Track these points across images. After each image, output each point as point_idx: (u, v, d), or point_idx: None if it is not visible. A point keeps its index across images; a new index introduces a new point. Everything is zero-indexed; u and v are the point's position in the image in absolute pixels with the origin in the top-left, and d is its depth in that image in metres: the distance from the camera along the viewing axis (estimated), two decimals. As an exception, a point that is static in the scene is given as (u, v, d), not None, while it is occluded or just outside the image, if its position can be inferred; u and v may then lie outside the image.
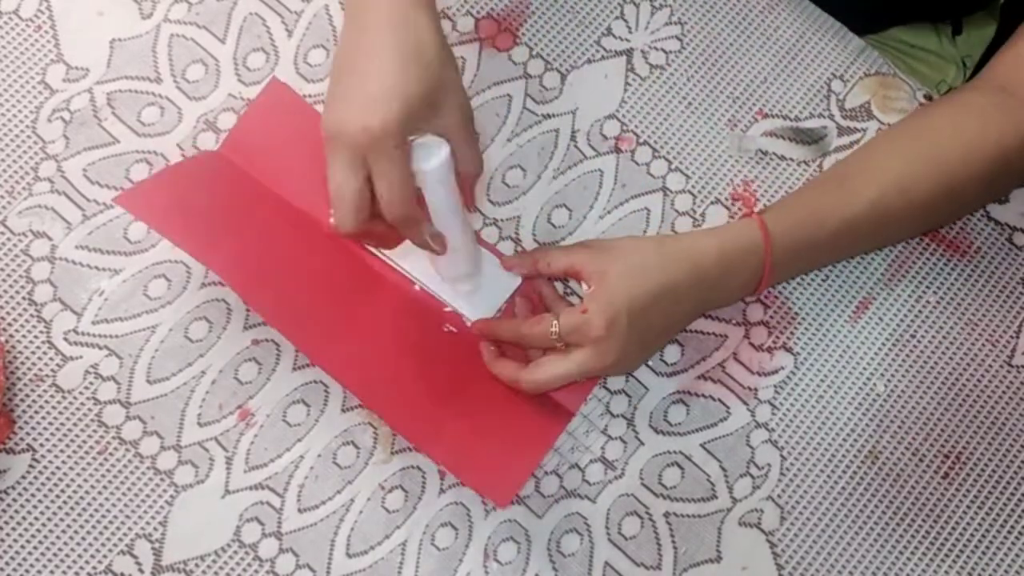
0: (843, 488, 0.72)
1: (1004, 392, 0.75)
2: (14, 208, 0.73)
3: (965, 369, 0.75)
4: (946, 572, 0.72)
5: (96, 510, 0.69)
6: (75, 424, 0.70)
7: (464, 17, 0.78)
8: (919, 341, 0.75)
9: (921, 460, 0.73)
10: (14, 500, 0.68)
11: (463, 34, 0.78)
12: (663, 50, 0.79)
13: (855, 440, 0.73)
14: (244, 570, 0.68)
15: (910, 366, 0.75)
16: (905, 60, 0.91)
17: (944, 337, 0.76)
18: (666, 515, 0.71)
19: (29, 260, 0.72)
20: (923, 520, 0.72)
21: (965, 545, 0.72)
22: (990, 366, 0.75)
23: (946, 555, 0.72)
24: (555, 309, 0.71)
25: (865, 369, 0.75)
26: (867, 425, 0.74)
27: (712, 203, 0.77)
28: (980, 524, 0.73)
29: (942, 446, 0.74)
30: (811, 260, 0.72)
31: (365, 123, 0.59)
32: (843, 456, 0.73)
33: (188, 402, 0.71)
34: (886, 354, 0.75)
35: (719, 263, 0.67)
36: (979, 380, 0.75)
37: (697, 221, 0.76)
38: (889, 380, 0.75)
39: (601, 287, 0.66)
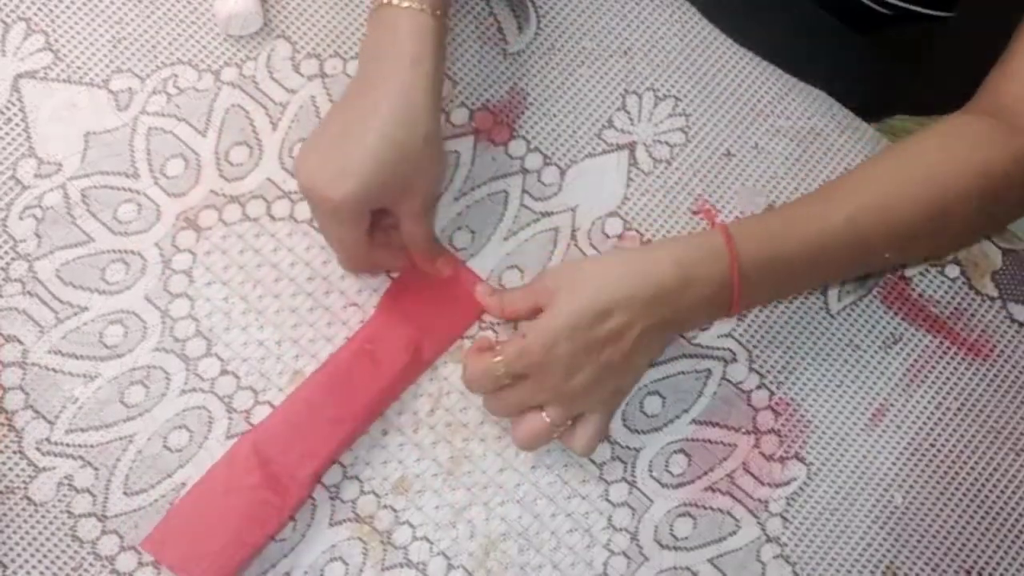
0: (860, 607, 0.90)
1: (1030, 504, 0.93)
2: (-15, 311, 0.90)
3: (988, 480, 0.93)
4: None
5: (71, 630, 0.85)
6: (48, 539, 0.86)
7: (459, 109, 0.97)
8: (939, 450, 0.93)
9: (943, 577, 0.91)
10: (-15, 620, 0.84)
11: (457, 126, 0.97)
12: (667, 143, 0.98)
13: (872, 555, 0.90)
14: None
15: (929, 476, 0.93)
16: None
17: (966, 445, 0.93)
18: (673, 635, 0.88)
19: (0, 365, 0.89)
20: (945, 641, 0.90)
21: (990, 667, 0.90)
22: (1014, 476, 0.93)
23: (970, 678, 0.89)
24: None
25: (882, 480, 0.92)
26: (884, 539, 0.91)
27: (720, 304, 0.95)
28: (1006, 645, 0.90)
29: (963, 561, 0.91)
30: (785, 276, 0.83)
31: (327, 192, 0.81)
32: (859, 572, 0.90)
33: (167, 516, 0.87)
34: (904, 464, 0.93)
35: (677, 274, 0.80)
36: (1003, 491, 0.93)
37: (704, 325, 0.94)
38: (908, 491, 0.92)
39: (545, 312, 0.81)
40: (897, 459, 0.93)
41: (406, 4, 0.83)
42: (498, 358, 0.82)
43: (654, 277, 0.80)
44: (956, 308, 0.96)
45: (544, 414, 0.83)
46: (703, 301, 0.82)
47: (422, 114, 0.82)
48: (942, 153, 0.85)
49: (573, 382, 0.81)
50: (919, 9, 0.90)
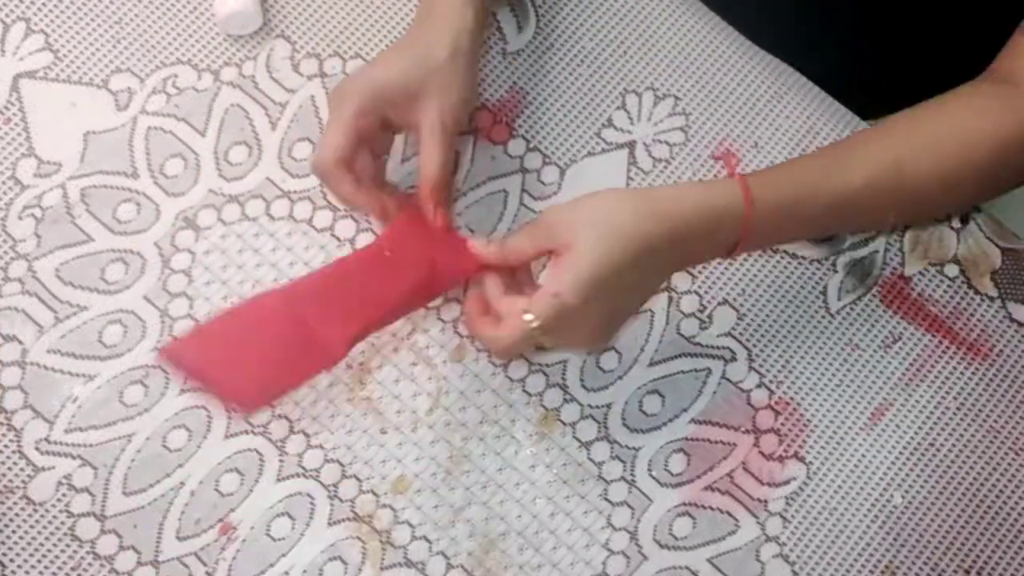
0: (859, 606, 0.90)
1: (1029, 504, 0.93)
2: (-16, 310, 0.90)
3: (987, 479, 0.93)
4: None
5: (70, 630, 0.85)
6: (47, 538, 0.86)
7: (457, 108, 0.98)
8: (938, 449, 0.93)
9: (942, 576, 0.91)
10: (-16, 619, 0.85)
11: (456, 126, 0.97)
12: (667, 142, 0.99)
13: (871, 555, 0.91)
14: None
15: (929, 476, 0.93)
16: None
17: (965, 445, 0.94)
18: (672, 635, 0.89)
19: (-1, 365, 0.90)
20: (945, 640, 0.90)
21: (989, 667, 0.90)
22: (1013, 476, 0.93)
23: (969, 677, 0.89)
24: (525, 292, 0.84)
25: (881, 479, 0.92)
26: (883, 539, 0.91)
27: (720, 304, 0.95)
28: (1005, 645, 0.90)
29: (962, 561, 0.91)
30: (792, 231, 0.87)
31: (341, 85, 0.85)
32: (858, 571, 0.90)
33: (166, 515, 0.87)
34: (903, 463, 0.93)
35: (698, 224, 0.80)
36: (1002, 491, 0.93)
37: (704, 323, 0.95)
38: (907, 491, 0.92)
39: (570, 259, 0.78)
40: (896, 459, 0.93)
41: None
42: (530, 318, 0.79)
43: (680, 227, 0.79)
44: (955, 308, 0.96)
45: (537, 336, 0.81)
46: (711, 248, 0.84)
47: (449, 34, 0.86)
48: (953, 121, 0.87)
49: (601, 329, 0.83)
50: None
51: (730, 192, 0.81)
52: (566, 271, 0.78)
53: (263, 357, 0.83)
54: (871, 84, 1.04)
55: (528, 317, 0.79)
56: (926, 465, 0.93)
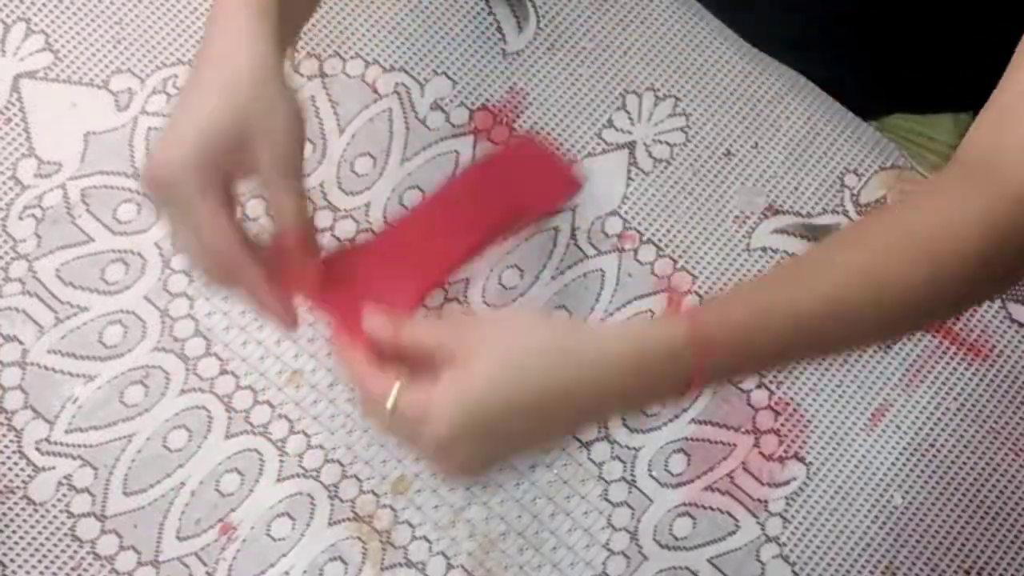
0: (860, 607, 0.90)
1: (1030, 504, 0.93)
2: (-16, 310, 0.91)
3: (987, 480, 0.93)
4: None
5: (70, 630, 0.85)
6: (47, 539, 0.87)
7: (458, 109, 0.98)
8: (939, 450, 0.94)
9: (942, 577, 0.91)
10: (-16, 619, 0.85)
11: (457, 126, 0.97)
12: (667, 143, 0.99)
13: (871, 555, 0.91)
14: None
15: (929, 477, 0.93)
16: (922, 153, 1.10)
17: (965, 446, 0.94)
18: (672, 635, 0.89)
19: (-1, 365, 0.90)
20: (945, 641, 0.90)
21: (990, 667, 0.90)
22: (1013, 476, 0.93)
23: None
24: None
25: (882, 480, 0.92)
26: (884, 539, 0.91)
27: (720, 304, 0.95)
28: (1005, 645, 0.90)
29: (963, 561, 0.91)
30: (750, 366, 0.75)
31: (160, 160, 0.69)
32: (859, 572, 0.90)
33: (167, 515, 0.88)
34: (904, 464, 0.93)
35: (632, 373, 0.66)
36: (1002, 491, 0.93)
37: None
38: (907, 491, 0.93)
39: (456, 377, 0.64)
40: (896, 459, 0.93)
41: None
42: (390, 404, 0.66)
43: (602, 377, 0.66)
44: (956, 308, 0.96)
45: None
46: (652, 397, 0.71)
47: (244, 64, 0.71)
48: (932, 213, 0.73)
49: (470, 466, 0.68)
50: None
51: (674, 334, 0.67)
52: (444, 394, 0.65)
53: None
54: (872, 86, 1.03)
55: (389, 403, 0.66)
56: (926, 465, 0.93)
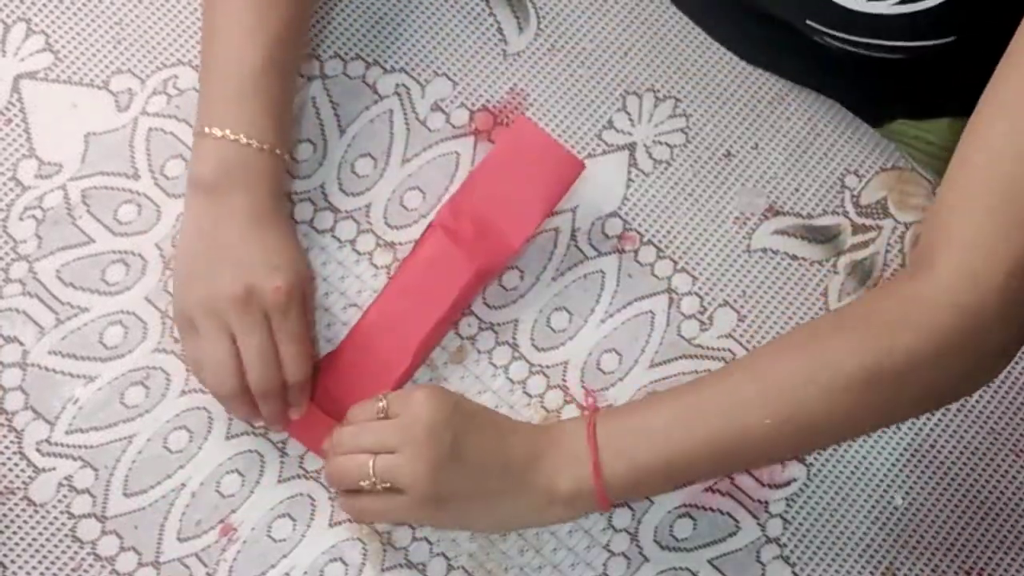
0: (860, 608, 0.90)
1: (1030, 505, 0.93)
2: (-15, 311, 0.90)
3: (988, 481, 0.93)
4: None
5: (71, 631, 0.85)
6: (48, 539, 0.87)
7: (459, 109, 0.98)
8: (939, 451, 0.94)
9: (942, 578, 0.91)
10: (-15, 620, 0.85)
11: (457, 127, 0.97)
12: (667, 144, 0.99)
13: (871, 556, 0.91)
14: None
15: (929, 478, 0.93)
16: (924, 157, 1.10)
17: (965, 447, 0.94)
18: (673, 636, 0.89)
19: (0, 366, 0.90)
20: (945, 642, 0.90)
21: (990, 668, 0.90)
22: (1014, 477, 0.93)
23: None
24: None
25: (882, 481, 0.93)
26: (884, 540, 0.91)
27: (720, 305, 0.95)
28: (1005, 646, 0.91)
29: (963, 562, 0.91)
30: (657, 484, 0.85)
31: (274, 283, 0.83)
32: (859, 573, 0.90)
33: (167, 516, 0.88)
34: (904, 465, 0.93)
35: (546, 442, 0.82)
36: (1002, 493, 0.93)
37: (704, 324, 0.95)
38: (907, 493, 0.93)
39: (403, 408, 0.82)
40: (897, 460, 0.93)
41: (244, 141, 0.86)
42: (382, 403, 0.84)
43: (524, 434, 0.84)
44: (956, 309, 0.96)
45: (371, 464, 0.81)
46: (563, 483, 0.81)
47: (279, 221, 0.88)
48: (812, 359, 0.78)
49: (438, 458, 0.80)
50: (879, 55, 0.90)
51: (574, 446, 0.82)
52: (423, 389, 0.83)
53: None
54: (870, 99, 1.03)
55: (380, 402, 0.84)
56: (927, 466, 0.93)
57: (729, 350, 0.94)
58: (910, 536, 0.92)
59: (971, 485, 0.93)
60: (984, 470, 0.93)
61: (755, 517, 0.91)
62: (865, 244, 0.98)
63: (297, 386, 0.86)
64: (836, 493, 0.92)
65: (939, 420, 0.94)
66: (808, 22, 0.90)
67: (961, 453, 0.94)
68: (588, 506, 0.82)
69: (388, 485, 0.81)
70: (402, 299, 0.90)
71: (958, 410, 0.94)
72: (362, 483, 0.81)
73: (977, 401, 0.95)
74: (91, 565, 0.86)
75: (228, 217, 0.85)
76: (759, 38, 0.99)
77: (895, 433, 0.93)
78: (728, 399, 0.79)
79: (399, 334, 0.90)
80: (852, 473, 0.92)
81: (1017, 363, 0.96)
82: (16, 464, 0.88)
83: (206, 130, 0.85)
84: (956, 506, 0.92)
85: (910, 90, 1.03)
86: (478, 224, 0.90)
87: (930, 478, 0.93)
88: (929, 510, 0.92)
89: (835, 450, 0.93)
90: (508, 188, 0.91)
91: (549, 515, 0.83)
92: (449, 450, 0.80)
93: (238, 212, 0.85)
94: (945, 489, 0.93)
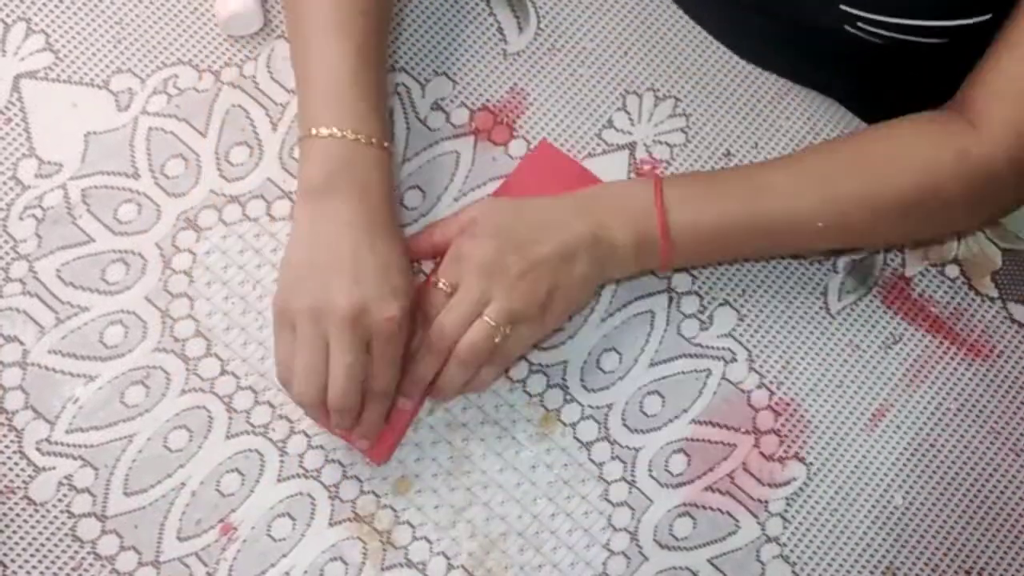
0: (860, 607, 0.90)
1: (1030, 505, 0.93)
2: (-15, 311, 0.91)
3: (988, 481, 0.93)
4: None
5: (71, 630, 0.86)
6: (48, 539, 0.87)
7: (459, 109, 0.98)
8: (939, 451, 0.94)
9: (942, 577, 0.91)
10: (-15, 619, 0.85)
11: (457, 126, 0.97)
12: (667, 143, 0.99)
13: (871, 555, 0.91)
14: None
15: (929, 477, 0.93)
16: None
17: (965, 446, 0.94)
18: (673, 635, 0.89)
19: (0, 366, 0.90)
20: (945, 641, 0.90)
21: (990, 668, 0.90)
22: (1014, 477, 0.93)
23: None
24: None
25: (882, 480, 0.93)
26: (884, 539, 0.91)
27: (720, 304, 0.95)
28: (1005, 645, 0.91)
29: (963, 562, 0.92)
30: (717, 245, 0.90)
31: (389, 311, 0.82)
32: (859, 572, 0.90)
33: (167, 515, 0.88)
34: (904, 464, 0.93)
35: (605, 196, 0.89)
36: (1002, 492, 0.93)
37: (704, 323, 0.95)
38: (907, 492, 0.93)
39: (465, 219, 0.88)
40: (897, 459, 0.93)
41: (351, 136, 0.86)
42: (443, 284, 0.87)
43: (580, 193, 0.90)
44: (956, 308, 0.97)
45: (486, 317, 0.85)
46: (625, 259, 0.89)
47: (393, 232, 0.87)
48: (884, 146, 0.88)
49: (524, 280, 0.85)
50: (911, 39, 0.91)
51: (641, 198, 0.88)
52: (463, 230, 0.88)
53: None
54: (871, 94, 1.04)
55: (441, 284, 0.87)
56: (927, 466, 0.93)
57: (729, 349, 0.94)
58: (910, 536, 0.92)
59: (971, 484, 0.93)
60: (984, 469, 0.93)
61: (755, 516, 0.91)
62: (865, 243, 0.98)
63: (380, 404, 0.86)
64: (836, 492, 0.92)
65: (939, 419, 0.94)
66: (842, 7, 0.90)
67: (961, 452, 0.94)
68: (653, 262, 0.90)
69: (510, 326, 0.86)
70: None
71: (958, 410, 0.95)
72: (496, 340, 0.85)
73: (977, 401, 0.95)
74: (91, 564, 0.86)
75: (344, 224, 0.84)
76: (755, 33, 0.99)
77: (895, 433, 0.94)
78: (790, 200, 0.88)
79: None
80: (852, 472, 0.93)
81: (1017, 363, 0.96)
82: (16, 463, 0.88)
83: (312, 131, 0.85)
84: (956, 505, 0.93)
85: (908, 88, 1.03)
86: None
87: (930, 477, 0.93)
88: (929, 509, 0.92)
89: (835, 449, 0.93)
90: None
91: (619, 270, 0.91)
92: (522, 260, 0.85)
93: (353, 218, 0.85)
94: (945, 488, 0.93)
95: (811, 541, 0.91)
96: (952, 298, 0.97)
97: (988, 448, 0.94)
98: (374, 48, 0.89)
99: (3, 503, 0.87)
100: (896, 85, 1.03)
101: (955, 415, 0.95)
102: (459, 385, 0.87)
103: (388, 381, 0.85)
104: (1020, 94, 0.86)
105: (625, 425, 0.92)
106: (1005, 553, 0.92)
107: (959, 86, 0.90)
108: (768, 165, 0.91)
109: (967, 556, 0.92)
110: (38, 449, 0.88)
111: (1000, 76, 0.87)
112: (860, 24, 0.91)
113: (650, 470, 0.91)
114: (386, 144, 0.87)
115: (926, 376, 0.95)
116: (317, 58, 0.88)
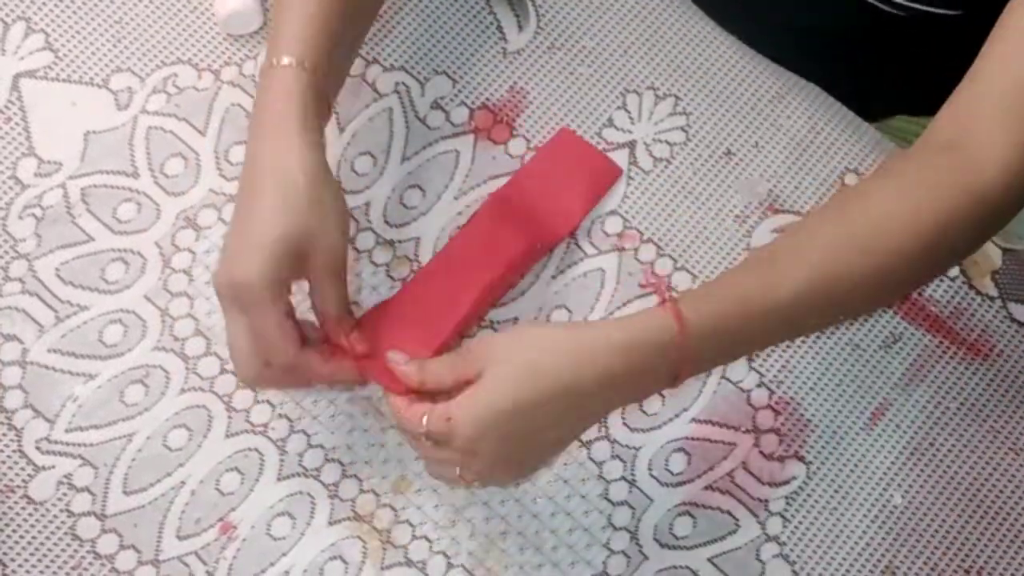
0: (860, 606, 0.90)
1: (1030, 504, 0.93)
2: (-16, 310, 0.91)
3: (987, 480, 0.93)
4: None
5: (71, 629, 0.86)
6: (48, 538, 0.87)
7: (458, 107, 0.98)
8: (938, 450, 0.94)
9: (942, 576, 0.91)
10: (-16, 618, 0.85)
11: (456, 125, 0.98)
12: (667, 142, 0.99)
13: (871, 554, 0.91)
14: None
15: (928, 476, 0.93)
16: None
17: (965, 445, 0.94)
18: (672, 635, 0.89)
19: (0, 364, 0.90)
20: (945, 640, 0.90)
21: (989, 667, 0.90)
22: (1013, 476, 0.93)
23: (969, 677, 0.90)
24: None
25: (881, 479, 0.93)
26: (883, 539, 0.92)
27: (720, 303, 0.96)
28: (1005, 645, 0.91)
29: (962, 561, 0.92)
30: (734, 351, 0.83)
31: (231, 277, 0.78)
32: (858, 571, 0.90)
33: (167, 514, 0.88)
34: (903, 463, 0.93)
35: (626, 364, 0.75)
36: (1001, 491, 0.93)
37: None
38: (907, 491, 0.93)
39: (474, 390, 0.74)
40: (896, 459, 0.93)
41: (284, 62, 0.81)
42: (423, 428, 0.76)
43: (601, 367, 0.75)
44: (956, 308, 0.97)
45: (459, 471, 0.78)
46: (648, 385, 0.80)
47: (296, 175, 0.79)
48: (888, 211, 0.79)
49: (495, 467, 0.78)
50: (928, 8, 0.91)
51: (663, 324, 0.76)
52: (465, 400, 0.75)
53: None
54: (873, 89, 1.04)
55: (423, 421, 0.76)
56: (926, 465, 0.93)
57: (729, 348, 0.94)
58: (910, 535, 0.92)
59: (971, 484, 0.93)
60: (984, 469, 0.94)
61: (755, 515, 0.91)
62: (865, 243, 0.98)
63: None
64: (836, 491, 0.92)
65: (939, 419, 0.94)
66: None
67: (961, 452, 0.94)
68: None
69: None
70: (456, 261, 0.91)
71: (958, 409, 0.95)
72: (461, 483, 0.81)
73: (976, 400, 0.95)
74: (91, 563, 0.87)
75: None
76: (773, 13, 0.99)
77: (895, 432, 0.94)
78: (810, 316, 0.81)
79: (449, 295, 0.88)
80: (852, 471, 0.93)
81: (1017, 363, 0.96)
82: (16, 462, 0.88)
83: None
84: (956, 505, 0.93)
85: (910, 83, 1.03)
86: (525, 213, 0.93)
87: (929, 477, 0.93)
88: (928, 509, 0.92)
89: (835, 448, 0.93)
90: (552, 187, 0.95)
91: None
92: (509, 455, 0.77)
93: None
94: (945, 488, 0.93)
95: (811, 540, 0.91)
96: (952, 298, 0.97)
97: (988, 448, 0.94)
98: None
99: (3, 502, 0.87)
100: (902, 80, 1.04)
101: (955, 414, 0.95)
102: None
103: (270, 353, 0.80)
104: (1020, 113, 0.79)
105: (625, 424, 0.92)
106: (1005, 552, 0.92)
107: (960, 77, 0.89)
108: (779, 273, 0.79)
109: (966, 555, 0.92)
110: (38, 448, 0.88)
111: (992, 94, 0.80)
112: None
113: (650, 469, 0.91)
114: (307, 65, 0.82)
115: (925, 376, 0.95)
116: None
